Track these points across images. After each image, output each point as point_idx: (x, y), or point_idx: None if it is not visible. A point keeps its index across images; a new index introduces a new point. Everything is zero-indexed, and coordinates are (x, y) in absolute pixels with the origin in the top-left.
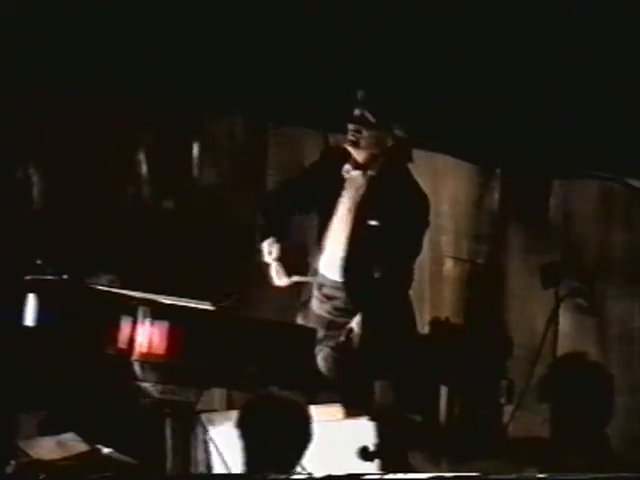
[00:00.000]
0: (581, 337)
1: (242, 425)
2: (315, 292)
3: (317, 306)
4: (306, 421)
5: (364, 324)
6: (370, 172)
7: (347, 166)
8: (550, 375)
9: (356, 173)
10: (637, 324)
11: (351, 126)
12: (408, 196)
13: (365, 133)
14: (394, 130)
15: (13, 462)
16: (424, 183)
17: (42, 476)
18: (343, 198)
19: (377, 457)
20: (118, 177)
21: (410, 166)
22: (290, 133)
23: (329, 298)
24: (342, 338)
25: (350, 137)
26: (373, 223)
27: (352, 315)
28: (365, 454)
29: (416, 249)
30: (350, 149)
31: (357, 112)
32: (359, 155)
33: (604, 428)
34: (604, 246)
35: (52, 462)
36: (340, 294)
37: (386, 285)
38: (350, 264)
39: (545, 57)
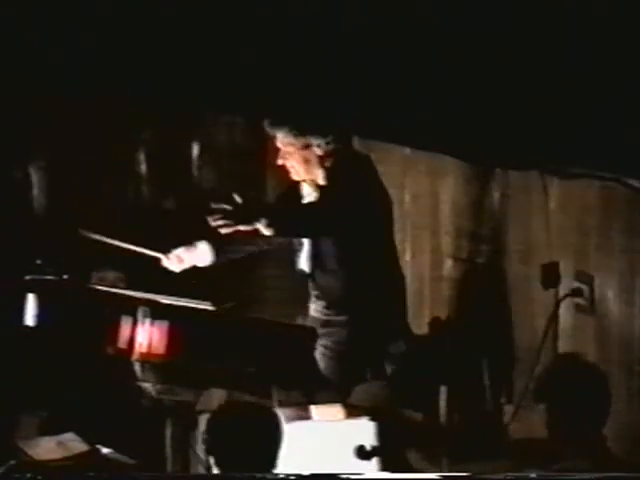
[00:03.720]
0: (581, 337)
1: (211, 431)
2: (311, 292)
3: (312, 308)
4: (275, 426)
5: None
6: (319, 182)
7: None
8: (546, 376)
9: (309, 190)
10: (637, 324)
11: (280, 162)
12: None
13: (293, 159)
14: (314, 141)
15: (13, 462)
16: (424, 183)
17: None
18: None
19: (374, 456)
20: (118, 177)
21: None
22: None
23: (319, 298)
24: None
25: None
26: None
27: (343, 313)
28: (362, 453)
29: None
30: (295, 178)
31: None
32: (304, 175)
33: (601, 429)
34: (604, 246)
35: (52, 462)
36: (329, 294)
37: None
38: (329, 266)
39: (545, 57)
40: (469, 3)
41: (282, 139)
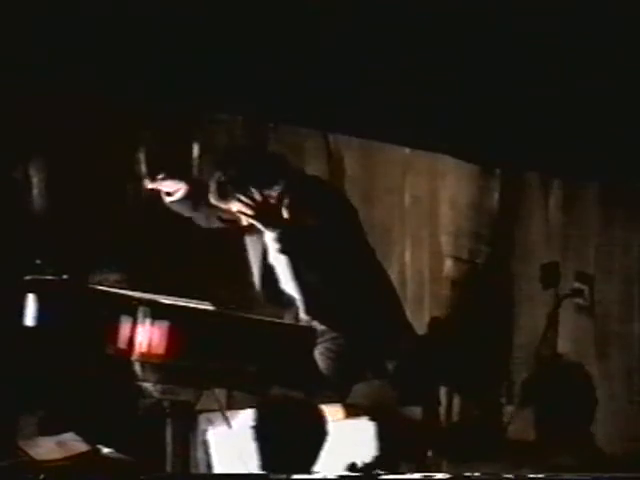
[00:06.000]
0: (581, 337)
1: (258, 427)
2: (302, 317)
3: (306, 320)
4: (321, 422)
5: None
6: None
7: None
8: (529, 381)
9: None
10: (637, 324)
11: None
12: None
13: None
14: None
15: (13, 462)
16: (424, 183)
17: (42, 476)
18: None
19: (366, 471)
20: (118, 177)
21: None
22: (290, 133)
23: (311, 319)
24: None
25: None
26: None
27: (338, 327)
28: (353, 470)
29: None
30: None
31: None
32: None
33: (588, 426)
34: (604, 246)
35: (52, 462)
36: (320, 313)
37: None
38: (312, 290)
39: (545, 57)
40: (469, 3)
41: (242, 206)
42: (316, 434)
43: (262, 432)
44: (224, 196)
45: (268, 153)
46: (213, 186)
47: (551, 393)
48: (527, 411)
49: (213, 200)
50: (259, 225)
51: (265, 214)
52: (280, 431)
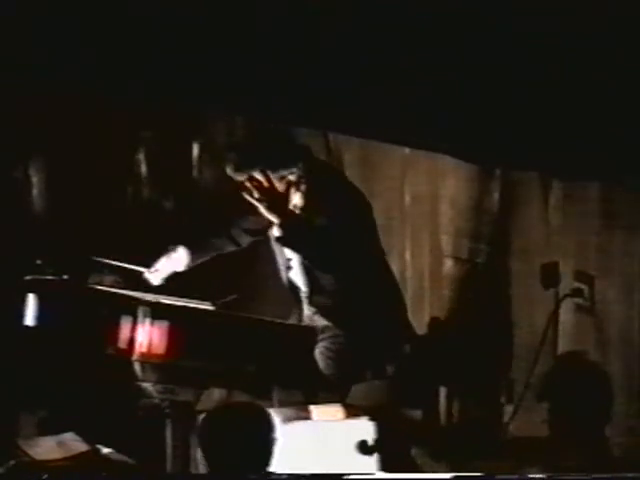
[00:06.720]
0: (581, 337)
1: (204, 433)
2: (305, 309)
3: (308, 317)
4: (268, 427)
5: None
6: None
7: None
8: (549, 374)
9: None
10: (636, 324)
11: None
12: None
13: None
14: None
15: (13, 462)
16: (424, 183)
17: (44, 476)
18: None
19: (376, 451)
20: (118, 177)
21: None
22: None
23: (315, 313)
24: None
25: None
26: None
27: (342, 324)
28: (364, 448)
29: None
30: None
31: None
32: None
33: (603, 429)
34: (604, 246)
35: (52, 462)
36: (325, 309)
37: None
38: (319, 279)
39: (545, 57)
40: (469, 3)
41: (250, 186)
42: (264, 438)
43: (208, 437)
44: (240, 169)
45: (290, 136)
46: (232, 156)
47: (568, 392)
48: (532, 410)
49: (229, 171)
50: (262, 210)
51: (271, 200)
52: (226, 436)
